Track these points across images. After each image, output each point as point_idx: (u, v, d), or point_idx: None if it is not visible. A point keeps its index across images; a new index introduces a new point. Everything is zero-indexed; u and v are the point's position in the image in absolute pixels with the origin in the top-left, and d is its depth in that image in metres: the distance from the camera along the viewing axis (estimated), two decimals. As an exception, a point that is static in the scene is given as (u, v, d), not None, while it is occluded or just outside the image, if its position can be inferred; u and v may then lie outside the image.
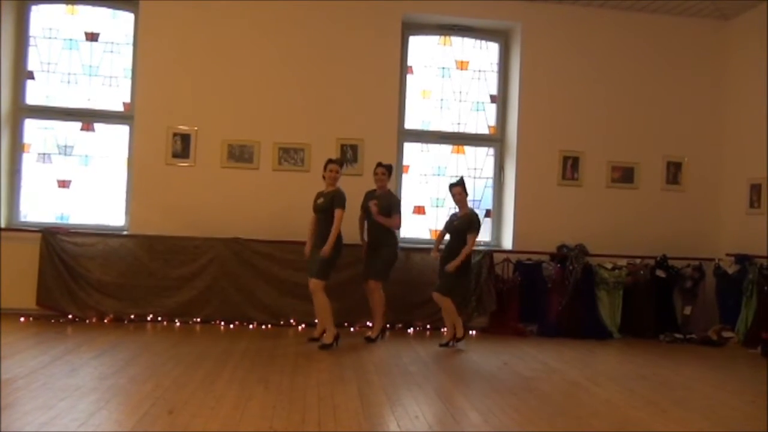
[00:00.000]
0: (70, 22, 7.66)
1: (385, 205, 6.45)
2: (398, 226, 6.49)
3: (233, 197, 7.51)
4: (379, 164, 6.65)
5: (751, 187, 7.74)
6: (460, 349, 6.43)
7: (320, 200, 6.33)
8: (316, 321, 6.49)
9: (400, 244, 6.89)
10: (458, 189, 6.54)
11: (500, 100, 8.27)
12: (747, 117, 7.92)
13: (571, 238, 7.87)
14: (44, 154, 7.61)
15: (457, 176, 7.32)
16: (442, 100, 8.20)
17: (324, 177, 6.37)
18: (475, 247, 7.42)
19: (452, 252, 6.47)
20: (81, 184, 7.63)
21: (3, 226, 7.31)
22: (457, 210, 6.65)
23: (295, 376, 5.06)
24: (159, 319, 7.08)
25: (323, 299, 6.23)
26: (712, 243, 8.12)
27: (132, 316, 7.04)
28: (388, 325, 6.83)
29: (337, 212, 6.16)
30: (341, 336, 6.35)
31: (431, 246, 7.56)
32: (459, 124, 8.23)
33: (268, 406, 4.23)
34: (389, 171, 6.61)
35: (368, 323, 7.26)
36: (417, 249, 7.47)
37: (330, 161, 6.46)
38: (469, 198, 6.70)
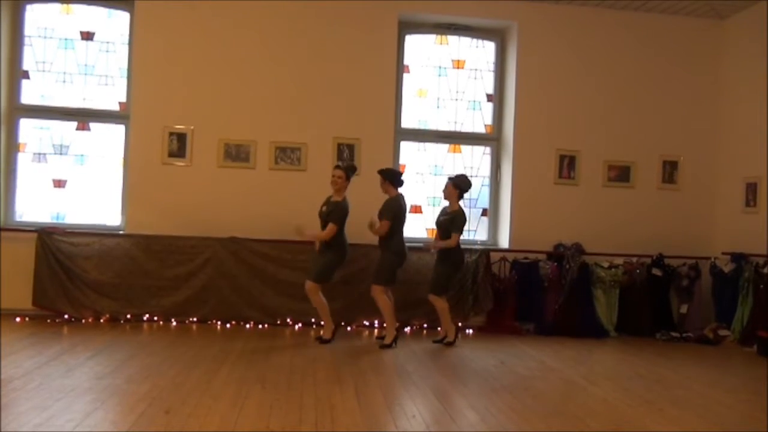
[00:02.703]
0: (66, 21, 7.63)
1: (382, 211, 6.44)
2: (378, 232, 6.41)
3: (229, 197, 7.49)
4: (379, 171, 6.59)
5: (747, 186, 7.76)
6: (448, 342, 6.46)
7: (323, 208, 6.37)
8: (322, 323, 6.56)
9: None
10: (448, 183, 6.57)
11: (497, 99, 8.27)
12: (742, 116, 7.93)
13: (568, 236, 7.88)
14: (40, 153, 7.59)
15: (456, 174, 7.20)
16: (438, 99, 8.20)
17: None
18: (472, 246, 7.46)
19: (442, 250, 6.51)
20: (77, 184, 7.60)
21: (-2, 225, 7.30)
22: (447, 205, 6.67)
23: (292, 375, 5.06)
24: (155, 318, 7.07)
25: (319, 300, 6.37)
26: (708, 242, 8.14)
27: (128, 316, 7.02)
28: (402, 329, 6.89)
29: (329, 226, 6.23)
30: (339, 335, 6.42)
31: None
32: (455, 123, 8.23)
33: (265, 406, 4.22)
34: (383, 176, 6.49)
35: (365, 322, 7.30)
36: (413, 248, 7.45)
37: (336, 166, 6.48)
38: (466, 197, 6.68)
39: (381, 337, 6.65)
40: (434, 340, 6.68)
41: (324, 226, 6.35)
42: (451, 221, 6.47)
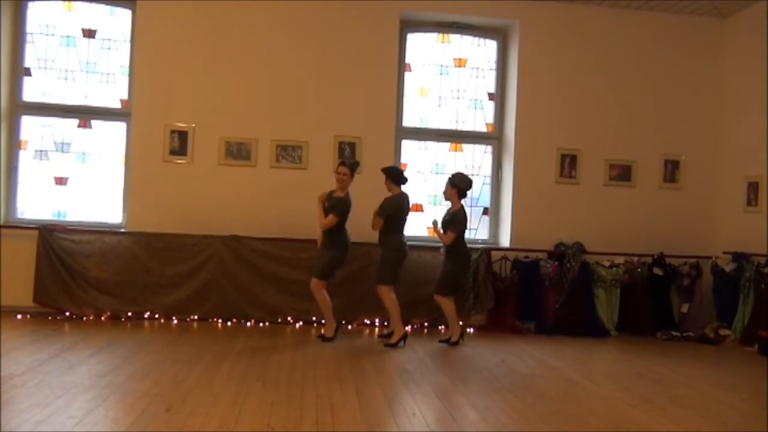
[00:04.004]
0: (67, 18, 7.63)
1: (379, 206, 6.45)
2: (374, 227, 6.44)
3: (231, 195, 7.49)
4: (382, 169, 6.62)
5: (749, 185, 7.75)
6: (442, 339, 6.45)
7: (327, 203, 6.38)
8: (323, 321, 6.61)
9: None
10: (447, 183, 6.55)
11: (498, 97, 8.27)
12: (744, 115, 7.92)
13: (569, 236, 7.88)
14: (41, 151, 7.59)
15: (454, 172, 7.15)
16: (440, 97, 8.19)
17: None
18: (474, 245, 7.44)
19: (448, 249, 6.50)
20: (78, 181, 7.61)
21: (0, 223, 7.29)
22: (451, 206, 6.66)
23: (293, 374, 5.06)
24: (156, 316, 7.07)
25: (323, 297, 6.37)
26: (710, 241, 8.13)
27: (129, 314, 7.03)
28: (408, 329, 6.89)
29: (329, 217, 6.25)
30: (340, 334, 6.44)
31: (428, 244, 7.61)
32: (457, 121, 8.23)
33: (266, 404, 4.23)
34: (386, 174, 6.50)
35: (366, 320, 7.31)
36: (414, 247, 7.44)
37: (341, 163, 6.48)
38: (467, 196, 6.67)
39: (383, 336, 6.65)
40: (440, 340, 6.65)
41: None
42: (450, 221, 6.47)
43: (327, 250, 6.39)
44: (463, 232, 6.57)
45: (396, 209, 6.41)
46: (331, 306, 6.43)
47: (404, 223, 6.53)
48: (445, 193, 6.62)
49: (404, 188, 6.56)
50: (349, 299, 7.12)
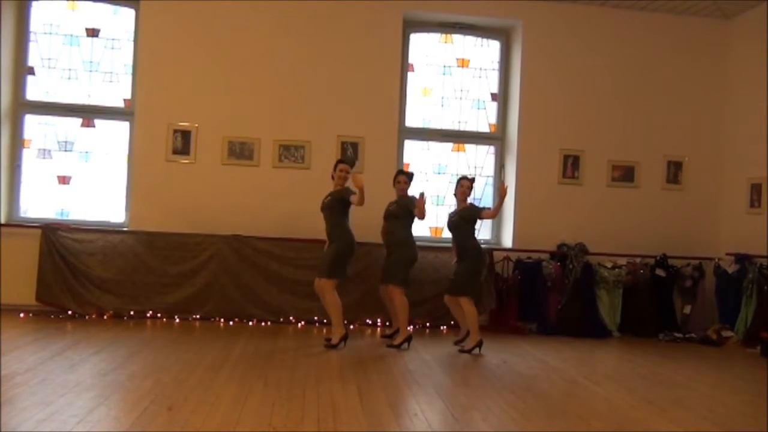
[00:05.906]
0: (71, 17, 7.65)
1: (403, 205, 6.41)
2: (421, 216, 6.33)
3: (233, 194, 7.50)
4: (400, 172, 6.60)
5: (752, 187, 7.74)
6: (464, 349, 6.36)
7: (327, 198, 6.31)
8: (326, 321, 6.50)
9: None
10: (468, 184, 6.44)
11: (501, 98, 8.27)
12: (747, 116, 7.91)
13: (571, 236, 7.87)
14: (44, 149, 7.61)
15: (461, 174, 7.10)
16: (443, 98, 8.19)
17: (333, 177, 6.31)
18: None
19: (459, 248, 6.44)
20: (81, 181, 7.62)
21: (3, 221, 7.30)
22: (456, 205, 6.63)
23: (295, 373, 5.06)
24: (158, 315, 7.08)
25: (332, 299, 6.09)
26: (712, 242, 8.12)
27: (131, 313, 7.04)
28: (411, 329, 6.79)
29: (352, 197, 6.02)
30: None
31: (431, 244, 7.62)
32: (460, 122, 8.23)
33: (267, 403, 4.23)
34: (410, 178, 6.48)
35: (368, 320, 7.31)
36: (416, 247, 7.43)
37: (340, 161, 6.42)
38: (470, 196, 6.66)
39: (386, 336, 6.64)
40: (455, 341, 6.47)
41: (328, 218, 6.22)
42: (469, 216, 6.35)
43: (329, 246, 6.28)
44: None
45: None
46: (341, 309, 6.09)
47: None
48: (465, 192, 6.41)
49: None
50: (351, 299, 7.09)
